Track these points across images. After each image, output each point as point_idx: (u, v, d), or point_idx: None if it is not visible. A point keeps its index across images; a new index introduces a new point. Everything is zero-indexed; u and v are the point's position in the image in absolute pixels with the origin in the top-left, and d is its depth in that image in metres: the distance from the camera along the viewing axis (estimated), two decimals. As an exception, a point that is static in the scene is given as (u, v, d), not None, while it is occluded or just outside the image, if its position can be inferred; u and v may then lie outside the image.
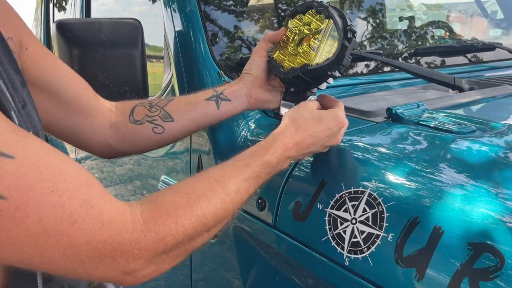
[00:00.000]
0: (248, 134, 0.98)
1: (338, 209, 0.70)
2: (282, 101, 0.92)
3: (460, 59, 1.51)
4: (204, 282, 1.13)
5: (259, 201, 0.85)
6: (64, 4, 2.18)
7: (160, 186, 1.23)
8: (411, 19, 1.74)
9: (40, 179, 0.42)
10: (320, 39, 0.82)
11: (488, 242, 0.54)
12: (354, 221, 0.67)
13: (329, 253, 0.70)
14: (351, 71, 1.30)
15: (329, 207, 0.72)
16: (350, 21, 0.80)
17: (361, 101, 1.06)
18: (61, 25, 0.95)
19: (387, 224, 0.63)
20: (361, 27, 1.48)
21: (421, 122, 0.85)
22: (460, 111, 1.01)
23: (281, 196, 0.81)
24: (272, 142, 0.71)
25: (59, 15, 2.26)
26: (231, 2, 1.24)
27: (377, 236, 0.64)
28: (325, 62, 0.80)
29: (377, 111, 0.95)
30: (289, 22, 0.88)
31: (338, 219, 0.70)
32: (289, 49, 0.87)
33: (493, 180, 0.63)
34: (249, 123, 1.00)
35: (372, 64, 1.33)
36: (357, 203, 0.68)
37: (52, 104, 0.75)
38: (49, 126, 0.76)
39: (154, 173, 1.33)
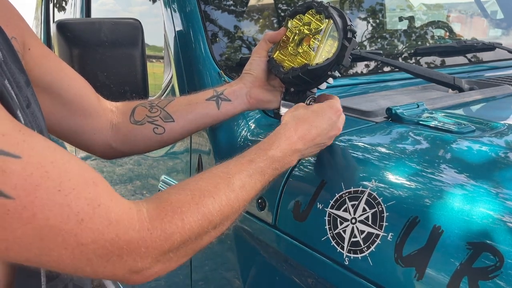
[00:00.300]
0: (248, 134, 0.98)
1: (338, 208, 0.70)
2: (282, 101, 0.92)
3: (460, 59, 1.51)
4: (204, 282, 1.14)
5: (259, 201, 0.86)
6: (64, 4, 2.18)
7: (160, 186, 1.23)
8: (411, 19, 1.74)
9: (46, 178, 0.42)
10: (320, 39, 0.82)
11: (488, 241, 0.54)
12: (354, 220, 0.68)
13: (329, 252, 0.70)
14: (351, 71, 1.30)
15: (329, 207, 0.72)
16: (350, 21, 0.80)
17: (361, 101, 1.06)
18: (61, 25, 0.95)
19: (386, 223, 0.63)
20: (361, 27, 1.48)
21: (421, 122, 0.85)
22: (460, 111, 1.01)
23: (281, 196, 0.82)
24: (274, 137, 0.71)
25: (59, 15, 2.26)
26: (231, 2, 1.25)
27: (377, 235, 0.64)
28: (325, 62, 0.80)
29: (377, 111, 0.95)
30: (289, 22, 0.88)
31: (338, 219, 0.70)
32: (289, 49, 0.87)
33: (493, 180, 0.63)
34: (249, 123, 1.00)
35: (372, 64, 1.33)
36: (357, 202, 0.68)
37: (54, 105, 0.75)
38: (50, 127, 0.76)
39: (154, 173, 1.33)
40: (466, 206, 0.59)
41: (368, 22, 1.52)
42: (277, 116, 0.94)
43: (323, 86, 0.86)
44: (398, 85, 1.27)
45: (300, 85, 0.86)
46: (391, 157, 0.74)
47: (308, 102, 0.86)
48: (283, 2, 1.40)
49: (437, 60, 1.46)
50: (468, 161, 0.70)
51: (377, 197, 0.66)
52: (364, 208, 0.67)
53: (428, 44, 1.60)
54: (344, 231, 0.68)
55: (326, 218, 0.71)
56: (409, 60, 1.42)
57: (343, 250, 0.68)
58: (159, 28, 1.20)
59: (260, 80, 0.89)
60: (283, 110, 0.93)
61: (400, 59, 1.40)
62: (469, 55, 1.53)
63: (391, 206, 0.64)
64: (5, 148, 0.40)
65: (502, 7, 2.04)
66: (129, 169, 1.56)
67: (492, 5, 2.07)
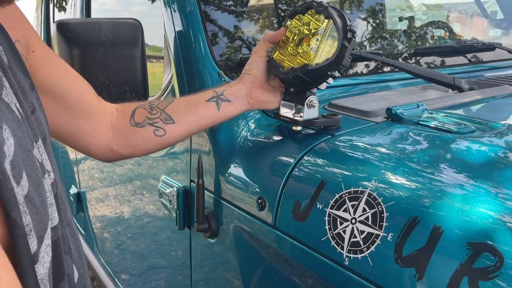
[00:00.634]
0: (248, 134, 0.98)
1: (338, 209, 0.70)
2: (282, 101, 0.92)
3: (460, 59, 1.51)
4: (204, 282, 1.14)
5: (259, 201, 0.86)
6: (64, 4, 2.18)
7: (160, 186, 1.23)
8: (411, 19, 1.74)
9: None
10: (319, 39, 0.82)
11: (488, 242, 0.54)
12: (353, 221, 0.68)
13: (329, 253, 0.70)
14: (351, 71, 1.30)
15: (329, 207, 0.72)
16: (350, 21, 0.80)
17: (361, 101, 1.06)
18: (61, 25, 0.95)
19: (386, 224, 0.63)
20: (361, 27, 1.48)
21: (420, 122, 0.85)
22: (459, 111, 1.01)
23: (281, 196, 0.82)
24: None
25: (59, 15, 2.26)
26: (231, 2, 1.25)
27: (377, 236, 0.64)
28: (325, 62, 0.80)
29: (377, 111, 0.95)
30: (289, 22, 0.88)
31: (338, 219, 0.70)
32: (289, 49, 0.87)
33: (493, 180, 0.63)
34: (249, 123, 1.00)
35: (372, 64, 1.33)
36: (356, 203, 0.68)
37: (56, 108, 0.75)
38: (51, 130, 0.76)
39: (154, 173, 1.33)
40: (466, 206, 0.59)
41: (368, 22, 1.51)
42: (277, 116, 0.94)
43: (323, 86, 0.86)
44: (398, 85, 1.27)
45: (300, 85, 0.86)
46: (391, 157, 0.74)
47: (308, 103, 0.86)
48: (283, 2, 1.40)
49: (437, 60, 1.46)
50: (468, 161, 0.70)
51: (377, 197, 0.66)
52: (364, 208, 0.67)
53: (428, 44, 1.60)
54: (344, 231, 0.68)
55: (326, 218, 0.71)
56: (409, 60, 1.42)
57: (343, 250, 0.68)
58: (159, 28, 1.20)
59: (260, 80, 0.89)
60: (283, 110, 0.93)
61: (400, 59, 1.40)
62: (469, 55, 1.53)
63: (391, 206, 0.64)
64: None
65: (502, 7, 2.04)
66: (129, 169, 1.56)
67: (492, 5, 2.07)
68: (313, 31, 0.83)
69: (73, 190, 2.32)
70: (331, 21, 0.80)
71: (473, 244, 0.55)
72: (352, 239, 0.67)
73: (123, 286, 1.84)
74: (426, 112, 0.91)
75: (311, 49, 0.83)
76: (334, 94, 1.15)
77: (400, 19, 1.74)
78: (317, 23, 0.83)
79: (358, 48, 1.31)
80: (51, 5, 2.38)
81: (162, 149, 0.90)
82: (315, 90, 0.88)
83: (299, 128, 0.90)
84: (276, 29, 0.99)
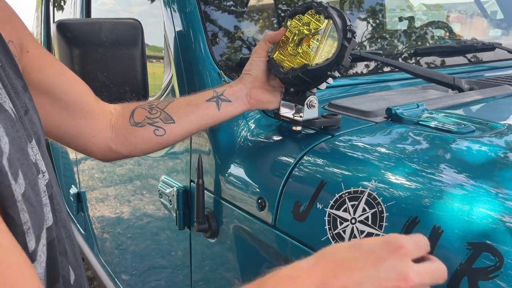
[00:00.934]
0: (248, 134, 0.98)
1: (338, 209, 0.70)
2: (282, 101, 0.92)
3: (460, 59, 1.51)
4: (204, 282, 1.14)
5: (259, 201, 0.86)
6: (64, 4, 2.18)
7: (160, 186, 1.23)
8: (411, 19, 1.74)
9: None
10: (319, 39, 0.82)
11: (488, 241, 0.54)
12: (353, 221, 0.68)
13: (329, 253, 0.70)
14: (351, 71, 1.30)
15: (329, 207, 0.72)
16: (350, 21, 0.80)
17: (361, 101, 1.06)
18: (61, 25, 0.95)
19: (386, 223, 0.63)
20: (361, 27, 1.48)
21: (420, 122, 0.85)
22: (459, 111, 1.01)
23: (281, 196, 0.82)
24: (271, 279, 0.49)
25: (59, 15, 2.26)
26: (231, 2, 1.25)
27: (377, 236, 0.64)
28: (325, 62, 0.80)
29: (377, 111, 0.95)
30: (289, 22, 0.88)
31: (338, 219, 0.70)
32: (289, 49, 0.87)
33: (493, 180, 0.64)
34: (249, 123, 1.01)
35: (372, 64, 1.33)
36: (356, 203, 0.68)
37: (53, 108, 0.74)
38: (49, 130, 0.76)
39: (154, 173, 1.33)
40: (466, 206, 0.59)
41: (368, 22, 1.52)
42: (277, 116, 0.94)
43: (323, 86, 0.86)
44: (398, 85, 1.27)
45: (299, 85, 0.86)
46: (391, 157, 0.74)
47: (307, 103, 0.86)
48: (283, 2, 1.40)
49: (437, 60, 1.46)
50: (468, 161, 0.70)
51: (377, 197, 0.66)
52: (364, 208, 0.67)
53: (428, 44, 1.60)
54: (344, 231, 0.68)
55: (326, 218, 0.71)
56: (409, 60, 1.42)
57: (343, 250, 0.68)
58: (159, 28, 1.20)
59: (260, 81, 0.89)
60: (283, 110, 0.93)
61: (400, 59, 1.40)
62: (469, 55, 1.53)
63: (391, 206, 0.64)
64: None
65: (502, 7, 2.04)
66: (129, 169, 1.56)
67: (492, 5, 2.07)
68: (313, 31, 0.83)
69: (73, 190, 2.32)
70: (331, 21, 0.80)
71: (473, 244, 0.55)
72: (352, 239, 0.67)
73: (123, 286, 1.84)
74: (426, 112, 0.91)
75: (311, 49, 0.83)
76: (334, 94, 1.15)
77: (400, 19, 1.74)
78: (317, 23, 0.83)
79: (358, 48, 1.31)
80: (51, 5, 2.38)
81: (161, 148, 0.90)
82: (315, 90, 0.88)
83: (299, 128, 0.90)
84: (276, 29, 0.99)
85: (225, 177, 0.97)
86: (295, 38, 0.86)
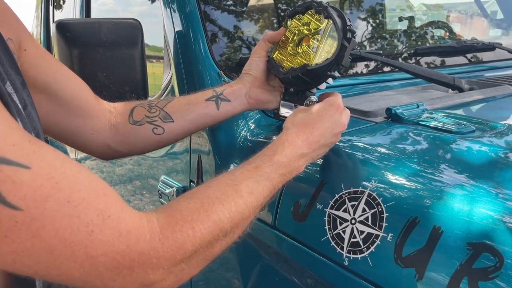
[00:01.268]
0: (248, 134, 0.98)
1: (338, 209, 0.70)
2: (282, 101, 0.92)
3: (460, 59, 1.51)
4: (204, 282, 1.14)
5: (259, 201, 0.85)
6: (63, 4, 2.18)
7: (160, 186, 1.23)
8: (411, 19, 1.74)
9: (56, 189, 0.41)
10: (319, 39, 0.82)
11: (488, 242, 0.54)
12: (353, 221, 0.67)
13: (329, 253, 0.70)
14: (351, 71, 1.30)
15: (329, 207, 0.72)
16: (350, 21, 0.80)
17: (361, 101, 1.06)
18: (61, 25, 0.95)
19: (386, 224, 0.63)
20: (361, 27, 1.48)
21: (420, 122, 0.85)
22: (459, 111, 1.01)
23: (280, 196, 0.81)
24: (278, 143, 0.70)
25: (59, 15, 2.26)
26: (231, 2, 1.24)
27: (377, 236, 0.64)
28: (325, 62, 0.80)
29: (377, 111, 0.95)
30: (289, 22, 0.88)
31: (338, 219, 0.70)
32: (289, 49, 0.87)
33: (493, 180, 0.63)
34: (249, 123, 1.00)
35: (372, 64, 1.33)
36: (356, 203, 0.68)
37: (51, 105, 0.75)
38: (48, 128, 0.76)
39: (154, 173, 1.33)
40: (466, 206, 0.59)
41: (368, 22, 1.51)
42: (276, 116, 0.94)
43: (323, 86, 0.85)
44: (398, 85, 1.27)
45: (299, 85, 0.86)
46: (391, 158, 0.74)
47: (307, 103, 0.86)
48: (283, 2, 1.40)
49: (437, 60, 1.46)
50: (468, 162, 0.70)
51: (376, 197, 0.66)
52: (363, 208, 0.67)
53: (428, 44, 1.60)
54: (344, 232, 0.68)
55: (326, 218, 0.71)
56: (409, 60, 1.42)
57: (343, 250, 0.68)
58: (159, 28, 1.20)
59: (260, 80, 0.89)
60: (282, 110, 0.93)
61: (400, 59, 1.40)
62: (469, 55, 1.53)
63: (391, 207, 0.64)
64: (15, 159, 0.39)
65: (502, 7, 2.04)
66: (129, 169, 1.56)
67: (492, 5, 2.07)
68: (312, 31, 0.83)
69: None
70: (331, 21, 0.80)
71: (473, 245, 0.54)
72: (352, 239, 0.67)
73: None
74: (426, 112, 0.91)
75: (310, 49, 0.83)
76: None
77: (400, 19, 1.74)
78: (317, 23, 0.83)
79: (358, 48, 1.31)
80: (50, 5, 2.38)
81: (160, 147, 0.90)
82: (314, 90, 0.88)
83: (299, 128, 0.89)
84: (276, 29, 0.99)
85: (225, 177, 0.97)
86: (295, 38, 0.86)
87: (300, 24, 0.86)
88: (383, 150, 0.78)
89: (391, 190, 0.66)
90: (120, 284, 0.47)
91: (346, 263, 0.67)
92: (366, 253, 0.64)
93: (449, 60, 1.47)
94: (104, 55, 0.97)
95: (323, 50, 0.81)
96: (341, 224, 0.69)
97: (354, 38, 0.79)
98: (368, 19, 1.52)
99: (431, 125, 0.83)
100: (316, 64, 0.80)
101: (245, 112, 0.95)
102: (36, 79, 0.70)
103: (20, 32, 0.67)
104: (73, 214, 0.42)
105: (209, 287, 1.12)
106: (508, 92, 1.15)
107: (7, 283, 0.52)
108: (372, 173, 0.70)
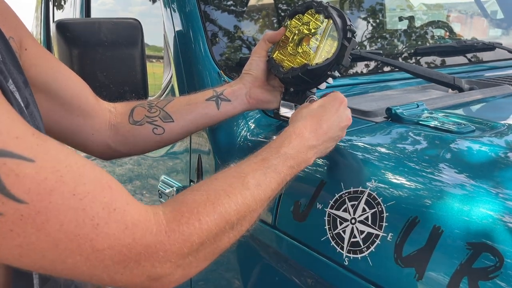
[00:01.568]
0: (248, 134, 0.98)
1: (338, 209, 0.70)
2: (282, 101, 0.92)
3: (460, 59, 1.51)
4: (204, 282, 1.13)
5: (259, 201, 0.85)
6: (63, 4, 2.18)
7: (160, 186, 1.23)
8: (411, 19, 1.74)
9: (61, 182, 0.41)
10: (319, 39, 0.82)
11: (488, 242, 0.54)
12: (353, 221, 0.67)
13: (329, 253, 0.70)
14: (351, 71, 1.30)
15: (329, 207, 0.72)
16: (350, 21, 0.80)
17: (361, 101, 1.06)
18: (60, 25, 0.95)
19: (386, 224, 0.63)
20: (361, 27, 1.47)
21: (420, 122, 0.85)
22: (459, 111, 1.01)
23: (280, 195, 0.81)
24: (285, 135, 0.69)
25: (58, 15, 2.26)
26: (231, 2, 1.24)
27: (377, 236, 0.64)
28: (325, 62, 0.80)
29: (377, 111, 0.95)
30: (289, 22, 0.88)
31: (338, 219, 0.70)
32: (289, 49, 0.87)
33: (493, 180, 0.63)
34: (249, 123, 1.00)
35: (372, 64, 1.33)
36: (356, 203, 0.68)
37: (51, 105, 0.75)
38: (48, 127, 0.76)
39: (154, 173, 1.33)
40: (466, 206, 0.59)
41: (368, 22, 1.51)
42: (276, 116, 0.94)
43: (323, 86, 0.85)
44: (398, 85, 1.27)
45: (299, 85, 0.86)
46: (391, 157, 0.74)
47: (307, 102, 0.86)
48: (283, 2, 1.40)
49: (437, 60, 1.46)
50: (468, 161, 0.70)
51: (376, 197, 0.66)
52: (363, 208, 0.67)
53: (428, 44, 1.60)
54: (344, 231, 0.68)
55: (326, 218, 0.71)
56: (409, 60, 1.42)
57: (343, 250, 0.68)
58: (159, 28, 1.20)
59: (260, 80, 0.89)
60: (282, 110, 0.93)
61: (400, 59, 1.40)
62: (469, 55, 1.53)
63: (391, 206, 0.64)
64: (19, 152, 0.39)
65: (502, 7, 2.04)
66: (129, 169, 1.56)
67: (492, 5, 2.07)
68: (313, 31, 0.83)
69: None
70: (331, 21, 0.80)
71: (473, 244, 0.54)
72: (352, 239, 0.67)
73: None
74: (426, 112, 0.91)
75: (310, 49, 0.83)
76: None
77: (400, 19, 1.74)
78: (317, 22, 0.83)
79: (358, 48, 1.31)
80: (50, 5, 2.38)
81: (160, 147, 0.90)
82: (315, 90, 0.88)
83: (299, 128, 0.89)
84: (276, 29, 0.99)
85: (225, 177, 0.97)
86: (295, 37, 0.86)
87: (300, 24, 0.86)
88: (383, 150, 0.78)
89: (391, 189, 0.66)
90: (127, 277, 0.47)
91: (346, 263, 0.67)
92: (366, 253, 0.64)
93: (449, 60, 1.47)
94: (104, 55, 0.97)
95: (323, 50, 0.81)
96: (341, 224, 0.69)
97: (354, 38, 0.79)
98: (368, 19, 1.52)
99: (431, 125, 0.83)
100: (317, 64, 0.80)
101: (245, 112, 0.95)
102: (36, 79, 0.71)
103: (21, 32, 0.67)
104: (78, 207, 0.42)
105: (209, 287, 1.12)
106: (508, 92, 1.15)
107: (7, 281, 0.52)
108: (372, 173, 0.70)
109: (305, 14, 0.85)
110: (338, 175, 0.77)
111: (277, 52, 0.88)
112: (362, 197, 0.68)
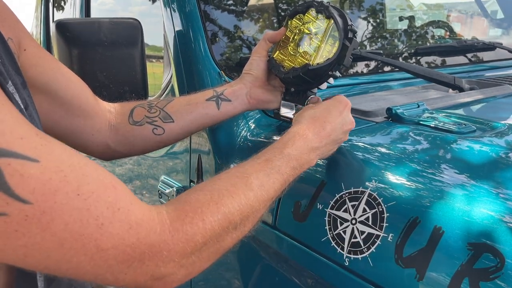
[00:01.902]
0: (248, 134, 0.98)
1: (338, 209, 0.70)
2: (283, 101, 0.92)
3: (460, 59, 1.51)
4: (204, 282, 1.13)
5: (259, 201, 0.85)
6: (63, 4, 2.18)
7: (160, 186, 1.23)
8: (411, 19, 1.73)
9: (65, 182, 0.41)
10: (320, 39, 0.82)
11: (488, 242, 0.53)
12: (354, 221, 0.67)
13: (329, 253, 0.70)
14: (351, 71, 1.30)
15: (329, 207, 0.71)
16: (351, 21, 0.80)
17: (361, 101, 1.06)
18: (60, 25, 0.94)
19: (387, 224, 0.63)
20: (361, 27, 1.47)
21: (421, 122, 0.85)
22: (460, 111, 1.01)
23: (280, 196, 0.81)
24: (288, 136, 0.69)
25: (58, 15, 2.25)
26: (231, 1, 1.24)
27: (377, 236, 0.64)
28: (326, 62, 0.80)
29: (377, 111, 0.95)
30: (289, 21, 0.88)
31: (338, 219, 0.69)
32: (289, 49, 0.86)
33: (493, 180, 0.63)
34: (249, 123, 1.00)
35: (372, 64, 1.33)
36: (357, 203, 0.68)
37: (51, 105, 0.75)
38: (48, 128, 0.76)
39: (154, 173, 1.33)
40: (467, 206, 0.59)
41: (368, 22, 1.51)
42: (277, 116, 0.94)
43: (324, 86, 0.85)
44: (398, 85, 1.27)
45: (300, 85, 0.86)
46: (391, 157, 0.74)
47: (308, 103, 0.86)
48: (283, 2, 1.40)
49: (438, 60, 1.45)
50: (469, 161, 0.70)
51: (377, 197, 0.66)
52: (364, 208, 0.67)
53: (428, 44, 1.60)
54: (344, 232, 0.68)
55: (326, 218, 0.71)
56: (409, 60, 1.42)
57: (343, 250, 0.67)
58: (159, 28, 1.20)
59: (260, 80, 0.89)
60: (283, 110, 0.92)
61: (400, 59, 1.40)
62: (469, 55, 1.53)
63: (391, 207, 0.64)
64: (23, 152, 0.39)
65: (502, 6, 2.04)
66: (128, 169, 1.56)
67: (492, 4, 2.07)
68: (313, 30, 0.83)
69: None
70: (332, 21, 0.80)
71: (474, 245, 0.54)
72: (352, 240, 0.67)
73: (123, 286, 1.84)
74: (426, 112, 0.91)
75: (311, 49, 0.83)
76: (335, 94, 1.15)
77: (401, 18, 1.74)
78: (318, 22, 0.83)
79: (359, 47, 1.31)
80: (50, 5, 2.38)
81: (161, 148, 0.90)
82: (315, 90, 0.87)
83: (299, 128, 0.89)
84: (276, 28, 0.99)
85: (225, 177, 0.96)
86: (295, 37, 0.86)
87: (301, 23, 0.86)
88: (383, 150, 0.78)
89: (391, 190, 0.66)
90: (131, 277, 0.47)
91: (347, 263, 0.67)
92: (366, 253, 0.64)
93: (450, 60, 1.47)
94: (104, 55, 0.97)
95: (324, 49, 0.81)
96: (341, 224, 0.69)
97: (355, 37, 0.79)
98: (368, 18, 1.52)
99: (431, 125, 0.83)
100: (318, 64, 0.80)
101: (245, 112, 0.95)
102: (36, 79, 0.70)
103: (20, 32, 0.67)
104: (82, 207, 0.42)
105: (209, 287, 1.12)
106: (508, 92, 1.15)
107: (9, 282, 0.52)
108: (372, 173, 0.70)
109: (306, 14, 0.85)
110: (339, 175, 0.77)
111: (277, 52, 0.88)
112: (363, 197, 0.68)
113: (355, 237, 0.66)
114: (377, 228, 0.64)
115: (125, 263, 0.46)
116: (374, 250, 0.63)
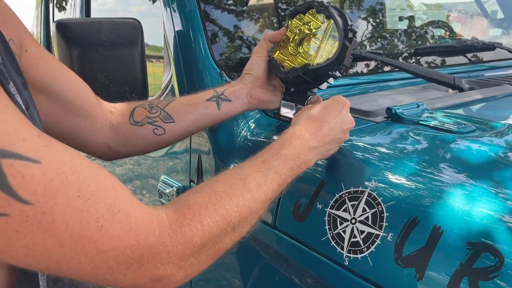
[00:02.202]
0: (248, 134, 0.98)
1: (338, 209, 0.70)
2: (283, 101, 0.92)
3: (460, 59, 1.51)
4: (204, 282, 1.14)
5: (259, 201, 0.85)
6: (63, 4, 2.18)
7: (160, 186, 1.23)
8: (411, 19, 1.74)
9: (66, 184, 0.42)
10: (320, 39, 0.82)
11: (488, 241, 0.54)
12: (353, 221, 0.67)
13: (329, 253, 0.70)
14: (351, 71, 1.30)
15: (329, 207, 0.72)
16: (351, 21, 0.80)
17: (361, 101, 1.06)
18: (60, 25, 0.94)
19: (386, 224, 0.63)
20: (361, 27, 1.47)
21: (421, 122, 0.85)
22: (460, 111, 1.01)
23: (280, 196, 0.81)
24: (285, 136, 0.69)
25: (58, 15, 2.26)
26: (231, 1, 1.24)
27: (377, 236, 0.64)
28: (326, 62, 0.80)
29: (377, 111, 0.95)
30: (289, 22, 0.88)
31: (338, 219, 0.70)
32: (290, 49, 0.87)
33: (493, 180, 0.63)
34: (249, 123, 1.00)
35: (372, 64, 1.33)
36: (356, 203, 0.68)
37: (52, 106, 0.75)
38: (49, 128, 0.76)
39: (154, 173, 1.33)
40: (466, 206, 0.59)
41: (368, 21, 1.51)
42: (277, 116, 0.94)
43: (324, 86, 0.85)
44: (398, 85, 1.27)
45: (300, 85, 0.86)
46: (391, 157, 0.74)
47: (308, 103, 0.86)
48: (283, 2, 1.40)
49: (437, 60, 1.46)
50: (468, 161, 0.70)
51: (377, 197, 0.66)
52: (364, 208, 0.67)
53: (428, 44, 1.60)
54: (344, 231, 0.68)
55: (326, 218, 0.71)
56: (409, 60, 1.42)
57: (343, 250, 0.68)
58: (159, 28, 1.20)
59: (261, 80, 0.89)
60: (283, 110, 0.93)
61: (400, 59, 1.40)
62: (469, 55, 1.53)
63: (391, 206, 0.64)
64: (25, 153, 0.39)
65: (502, 6, 2.04)
66: (129, 169, 1.56)
67: (492, 4, 2.07)
68: (313, 30, 0.83)
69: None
70: (332, 21, 0.80)
71: (473, 244, 0.54)
72: (352, 239, 0.67)
73: None
74: (426, 111, 0.91)
75: (311, 49, 0.83)
76: (334, 94, 1.15)
77: (400, 18, 1.74)
78: (318, 22, 0.83)
79: (358, 47, 1.31)
80: (50, 5, 2.38)
81: (161, 148, 0.90)
82: (315, 90, 0.88)
83: (299, 128, 0.89)
84: (276, 28, 0.99)
85: (225, 177, 0.96)
86: (295, 37, 0.86)
87: (301, 23, 0.86)
88: (383, 149, 0.78)
89: (391, 189, 0.66)
90: (130, 278, 0.48)
91: (346, 263, 0.67)
92: (366, 253, 0.64)
93: (449, 60, 1.47)
94: (104, 55, 0.97)
95: (324, 49, 0.81)
96: (341, 223, 0.69)
97: (355, 38, 0.79)
98: (368, 18, 1.52)
99: (431, 125, 0.83)
100: (318, 64, 0.80)
101: (245, 112, 0.95)
102: (37, 80, 0.71)
103: (21, 33, 0.67)
104: (83, 208, 0.43)
105: (209, 287, 1.12)
106: (508, 91, 1.15)
107: (11, 282, 0.52)
108: (372, 173, 0.70)
109: (306, 14, 0.85)
110: (338, 175, 0.77)
111: (278, 52, 0.88)
112: (362, 197, 0.68)
113: (355, 237, 0.66)
114: (376, 228, 0.64)
115: (124, 265, 0.46)
116: (373, 250, 0.64)
